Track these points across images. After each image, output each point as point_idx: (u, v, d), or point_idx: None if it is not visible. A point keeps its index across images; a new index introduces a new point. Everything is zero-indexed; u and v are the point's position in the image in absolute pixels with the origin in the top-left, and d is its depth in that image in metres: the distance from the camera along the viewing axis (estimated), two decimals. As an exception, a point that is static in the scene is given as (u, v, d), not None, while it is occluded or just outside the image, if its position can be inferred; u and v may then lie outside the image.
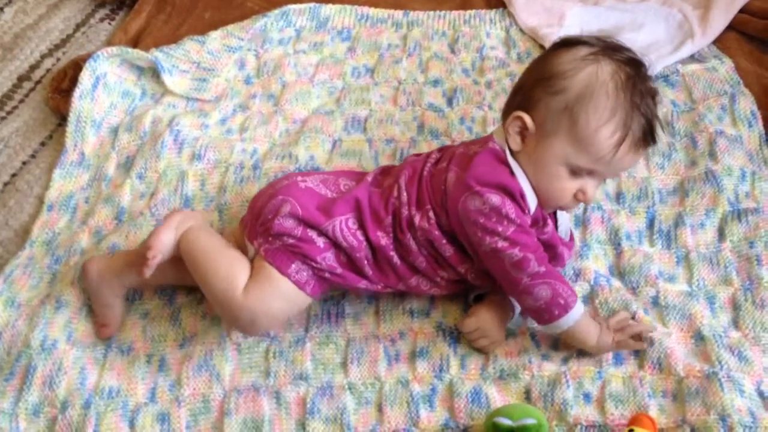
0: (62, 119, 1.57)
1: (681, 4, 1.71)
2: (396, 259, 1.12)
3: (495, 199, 1.07)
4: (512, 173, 1.10)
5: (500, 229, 1.06)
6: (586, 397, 1.09)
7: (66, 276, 1.26)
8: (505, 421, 0.99)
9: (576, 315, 1.09)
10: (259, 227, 1.13)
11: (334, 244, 1.11)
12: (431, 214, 1.11)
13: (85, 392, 1.12)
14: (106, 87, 1.55)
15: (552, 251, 1.16)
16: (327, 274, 1.11)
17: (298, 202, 1.11)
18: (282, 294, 1.09)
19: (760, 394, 1.07)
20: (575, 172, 1.10)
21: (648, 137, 1.09)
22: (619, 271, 1.25)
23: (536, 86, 1.10)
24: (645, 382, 1.10)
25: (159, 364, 1.16)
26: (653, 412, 1.06)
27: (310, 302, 1.14)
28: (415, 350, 1.16)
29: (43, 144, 1.56)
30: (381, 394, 1.12)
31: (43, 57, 1.76)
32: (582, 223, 1.30)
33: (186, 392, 1.13)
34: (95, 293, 1.19)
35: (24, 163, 1.52)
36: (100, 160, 1.47)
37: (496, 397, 1.10)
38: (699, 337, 1.14)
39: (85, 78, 1.53)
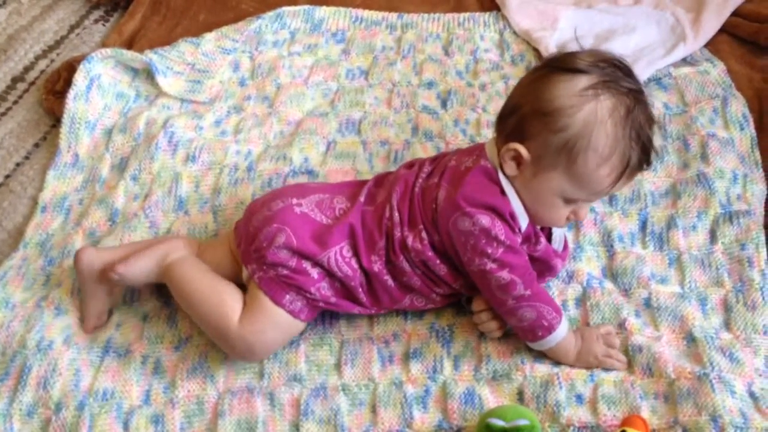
0: (56, 121, 1.57)
1: (673, 8, 1.72)
2: (390, 281, 1.13)
3: (484, 220, 1.07)
4: (503, 192, 1.10)
5: (489, 250, 1.07)
6: (579, 398, 1.09)
7: (62, 280, 1.26)
8: (498, 422, 0.99)
9: (558, 336, 1.10)
10: (253, 253, 1.12)
11: (329, 273, 1.11)
12: (424, 234, 1.11)
13: (79, 394, 1.12)
14: (101, 88, 1.55)
15: (545, 265, 1.17)
16: (321, 304, 1.12)
17: (293, 231, 1.11)
18: (277, 324, 1.11)
19: (752, 395, 1.08)
20: (571, 201, 1.10)
21: (643, 164, 1.08)
22: (611, 272, 1.25)
23: (533, 118, 1.06)
24: (636, 385, 1.10)
25: (154, 366, 1.17)
26: (645, 414, 1.07)
27: (304, 327, 1.15)
28: (408, 351, 1.16)
29: (36, 145, 1.56)
30: (375, 395, 1.12)
31: (37, 58, 1.75)
32: (575, 225, 1.30)
33: (180, 394, 1.13)
34: (83, 283, 1.19)
35: (18, 164, 1.52)
36: (94, 162, 1.47)
37: (489, 398, 1.10)
38: (690, 339, 1.15)
39: (80, 79, 1.53)
